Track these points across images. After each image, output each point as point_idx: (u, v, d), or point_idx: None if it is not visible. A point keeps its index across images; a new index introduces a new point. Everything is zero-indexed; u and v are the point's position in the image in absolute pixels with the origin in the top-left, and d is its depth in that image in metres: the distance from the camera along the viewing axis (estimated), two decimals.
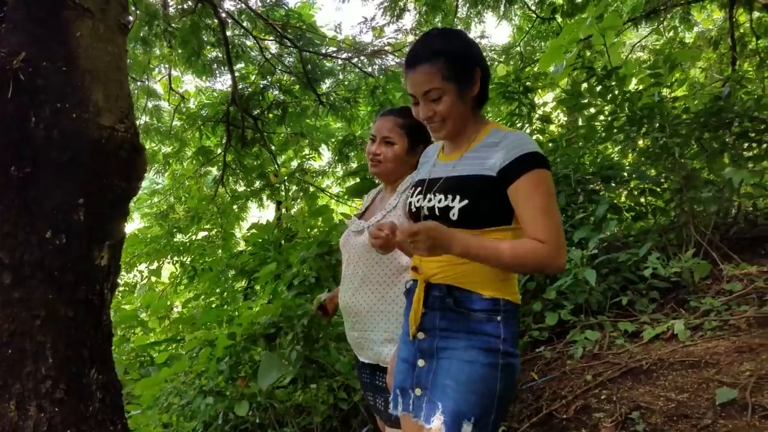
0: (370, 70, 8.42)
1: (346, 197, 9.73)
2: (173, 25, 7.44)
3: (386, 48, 8.29)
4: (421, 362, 1.63)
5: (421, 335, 1.63)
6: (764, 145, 4.35)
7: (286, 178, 9.41)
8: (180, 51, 7.84)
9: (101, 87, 2.07)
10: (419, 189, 1.71)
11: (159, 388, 3.40)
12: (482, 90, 1.66)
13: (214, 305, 6.36)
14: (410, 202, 1.73)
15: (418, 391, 1.62)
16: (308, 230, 6.22)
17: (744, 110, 4.21)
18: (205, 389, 3.17)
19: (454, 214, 1.56)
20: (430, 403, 1.56)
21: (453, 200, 1.57)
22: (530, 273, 1.63)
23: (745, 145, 4.43)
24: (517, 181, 1.52)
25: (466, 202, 1.55)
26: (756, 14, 7.70)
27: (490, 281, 1.57)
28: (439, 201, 1.60)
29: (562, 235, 1.52)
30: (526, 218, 1.52)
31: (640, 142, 4.59)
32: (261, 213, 10.17)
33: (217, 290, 6.78)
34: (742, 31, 8.00)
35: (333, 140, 9.94)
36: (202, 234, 9.35)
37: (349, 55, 8.40)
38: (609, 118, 4.61)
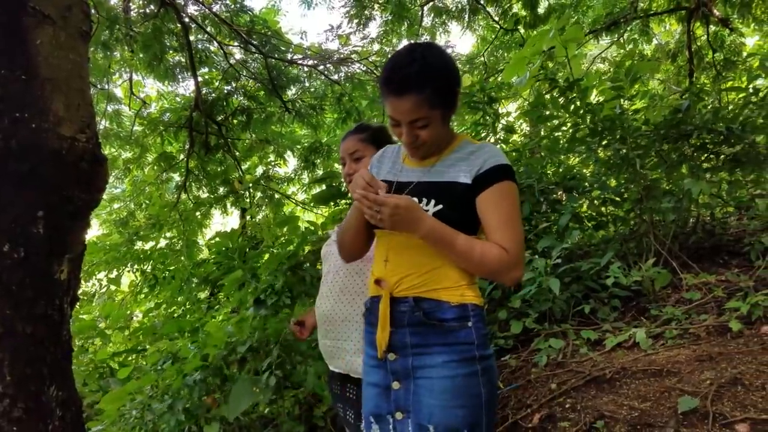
0: (336, 77, 8.42)
1: (312, 204, 9.69)
2: (135, 29, 7.31)
3: (352, 56, 8.30)
4: (396, 384, 1.60)
5: (392, 356, 1.60)
6: (722, 157, 4.48)
7: (250, 184, 9.32)
8: (141, 55, 7.72)
9: (62, 96, 2.01)
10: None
11: (123, 401, 3.32)
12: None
13: (176, 315, 6.24)
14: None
15: (399, 415, 1.59)
16: (273, 239, 6.18)
17: (702, 122, 4.32)
18: (174, 406, 3.10)
19: None
20: (417, 425, 1.55)
21: (428, 204, 1.58)
22: (485, 276, 1.63)
23: (704, 156, 4.55)
24: (489, 190, 1.56)
25: (440, 206, 1.57)
26: (712, 28, 7.97)
27: (455, 287, 1.58)
28: None
29: (523, 249, 1.56)
30: (492, 226, 1.56)
31: (602, 153, 4.68)
32: (225, 220, 10.05)
33: (179, 299, 6.68)
34: (699, 44, 8.26)
35: (299, 147, 9.90)
36: (163, 242, 9.18)
37: (315, 62, 8.38)
38: (571, 130, 4.70)
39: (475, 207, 1.58)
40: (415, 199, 1.57)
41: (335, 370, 2.15)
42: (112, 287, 8.35)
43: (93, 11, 6.40)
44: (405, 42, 9.18)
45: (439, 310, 1.57)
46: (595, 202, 4.76)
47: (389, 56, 1.64)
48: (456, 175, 1.60)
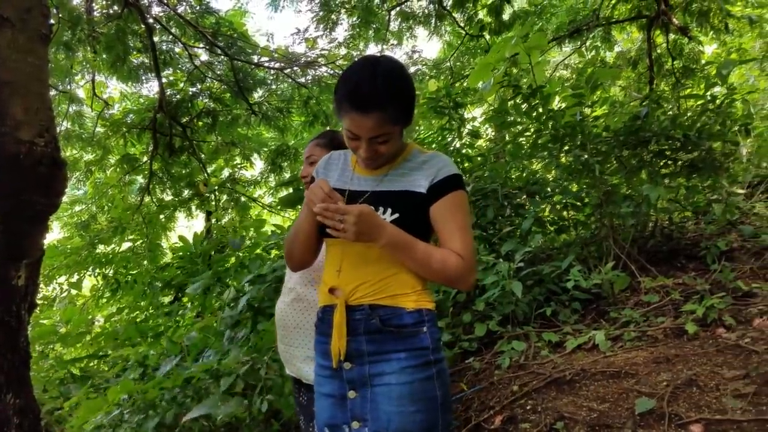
0: (303, 80, 8.40)
1: (279, 208, 9.65)
2: (98, 29, 7.18)
3: (319, 59, 8.29)
4: (351, 394, 1.60)
5: (347, 365, 1.60)
6: (679, 163, 4.61)
7: (216, 187, 9.23)
8: (104, 56, 7.59)
9: (20, 100, 1.99)
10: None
11: (103, 411, 3.26)
12: None
13: (138, 320, 6.15)
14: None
15: (356, 425, 1.59)
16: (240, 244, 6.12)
17: (661, 129, 4.44)
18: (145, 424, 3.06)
19: None
20: None
21: (384, 213, 1.60)
22: (442, 282, 1.66)
23: (662, 162, 4.68)
24: (444, 199, 1.60)
25: (397, 215, 1.59)
26: (672, 36, 8.17)
27: (410, 292, 1.61)
28: None
29: (476, 255, 1.62)
30: (447, 233, 1.60)
31: (563, 159, 4.77)
32: (190, 223, 9.93)
33: (142, 304, 6.57)
34: (659, 51, 8.47)
35: (265, 150, 9.84)
36: (126, 245, 9.03)
37: (282, 65, 8.36)
38: (534, 136, 4.78)
39: (428, 215, 1.62)
40: (373, 208, 1.58)
41: (289, 374, 2.20)
42: (73, 291, 8.17)
43: (55, 11, 6.28)
44: (372, 46, 9.23)
45: (395, 317, 1.58)
46: (557, 206, 4.86)
47: (346, 69, 1.64)
48: (411, 185, 1.63)
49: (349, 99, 1.53)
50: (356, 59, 1.68)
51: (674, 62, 8.32)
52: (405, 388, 1.55)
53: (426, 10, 8.72)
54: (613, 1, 8.52)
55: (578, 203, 4.78)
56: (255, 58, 8.31)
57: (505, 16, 8.16)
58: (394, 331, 1.58)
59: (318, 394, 1.70)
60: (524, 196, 4.85)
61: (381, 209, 1.61)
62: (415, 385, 1.55)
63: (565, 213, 4.92)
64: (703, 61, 8.57)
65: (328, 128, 7.84)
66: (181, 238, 5.65)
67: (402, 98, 1.57)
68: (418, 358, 1.57)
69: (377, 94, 1.52)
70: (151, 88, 9.48)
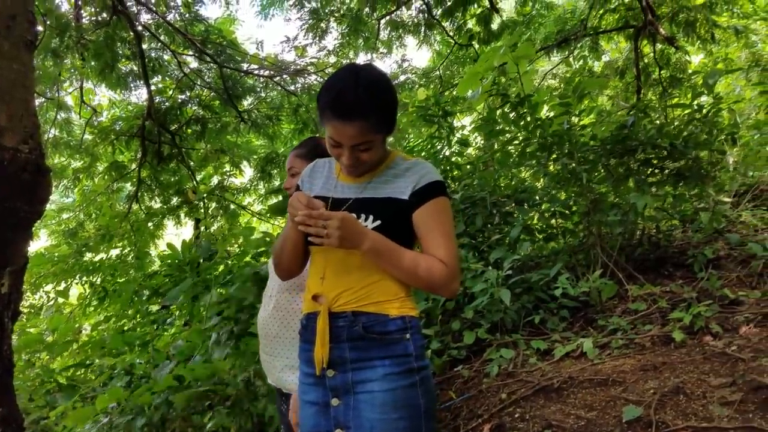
0: (292, 88, 8.40)
1: (268, 215, 9.62)
2: (86, 37, 7.16)
3: (309, 68, 8.30)
4: (335, 401, 1.60)
5: (330, 372, 1.60)
6: (666, 171, 4.64)
7: (205, 195, 9.20)
8: (93, 63, 7.56)
9: (4, 106, 1.97)
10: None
11: (90, 419, 3.23)
12: None
13: (126, 328, 6.10)
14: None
15: None
16: (228, 249, 6.10)
17: (648, 138, 4.47)
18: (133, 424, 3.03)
19: None
20: None
21: (366, 219, 1.60)
22: (427, 290, 1.65)
23: (649, 171, 4.71)
24: (426, 205, 1.60)
25: (379, 222, 1.59)
26: (659, 46, 8.25)
27: (394, 299, 1.60)
28: None
29: (459, 262, 1.61)
30: (431, 240, 1.60)
31: (551, 167, 4.79)
32: (178, 231, 9.88)
33: (129, 312, 6.52)
34: (646, 61, 8.54)
35: (255, 157, 9.82)
36: (114, 252, 8.96)
37: (272, 73, 8.36)
38: (522, 144, 4.80)
39: (411, 222, 1.62)
40: (354, 215, 1.58)
41: (270, 383, 2.20)
42: (60, 300, 8.09)
43: (43, 18, 6.25)
44: (362, 55, 9.26)
45: (378, 323, 1.58)
46: (545, 214, 4.87)
47: (329, 77, 1.64)
48: (394, 191, 1.63)
49: (331, 107, 1.53)
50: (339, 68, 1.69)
51: (661, 72, 8.40)
52: (388, 395, 1.54)
53: (415, 20, 8.76)
54: (600, 12, 8.59)
55: (566, 211, 4.80)
56: (244, 66, 8.31)
57: (494, 26, 8.22)
58: (377, 338, 1.57)
59: (302, 402, 1.68)
60: (513, 204, 4.86)
61: (363, 216, 1.60)
62: (398, 392, 1.54)
63: (553, 221, 4.94)
64: (689, 71, 8.65)
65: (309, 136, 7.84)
66: (170, 245, 5.61)
67: (384, 107, 1.57)
68: (401, 365, 1.56)
69: (359, 102, 1.52)
70: (139, 95, 9.44)
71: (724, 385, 2.72)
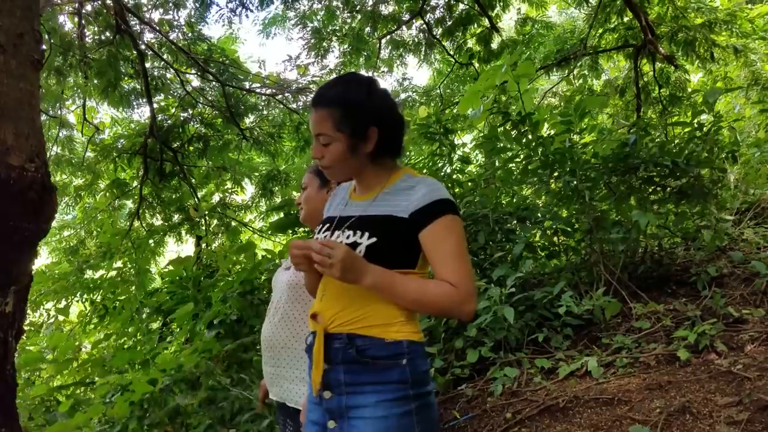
0: (294, 106, 8.45)
1: (269, 232, 9.61)
2: (90, 55, 7.21)
3: (311, 86, 8.35)
4: (331, 424, 1.57)
5: (327, 394, 1.56)
6: (668, 189, 4.64)
7: (206, 212, 9.20)
8: (96, 81, 7.61)
9: (11, 125, 1.98)
10: (327, 226, 1.69)
11: None
12: (387, 143, 1.65)
13: (126, 346, 6.07)
14: (316, 240, 1.68)
15: None
16: (230, 266, 6.09)
17: (649, 156, 4.48)
18: None
19: (360, 251, 1.54)
20: None
21: (362, 237, 1.56)
22: (438, 315, 1.63)
23: (651, 189, 4.71)
24: (431, 225, 1.54)
25: (374, 239, 1.55)
26: (658, 65, 8.31)
27: (392, 323, 1.55)
28: (348, 237, 1.59)
29: (473, 282, 1.54)
30: (439, 262, 1.54)
31: (553, 185, 4.80)
32: (179, 248, 9.87)
33: (130, 330, 6.50)
34: (646, 80, 8.60)
35: (256, 174, 9.85)
36: (114, 270, 8.94)
37: (274, 91, 8.41)
38: (524, 162, 4.81)
39: (412, 241, 1.57)
40: (350, 233, 1.58)
41: (273, 398, 2.15)
42: (61, 317, 8.06)
43: (47, 37, 6.30)
44: (363, 73, 9.30)
45: (373, 347, 1.53)
46: (548, 232, 4.87)
47: None
48: (392, 209, 1.59)
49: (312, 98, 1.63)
50: None
51: (661, 90, 8.44)
52: (380, 423, 1.49)
53: (416, 39, 8.84)
54: (600, 31, 8.66)
55: (568, 229, 4.79)
56: (247, 84, 8.36)
57: (494, 45, 8.29)
58: (370, 362, 1.53)
59: (307, 420, 1.67)
60: (514, 222, 4.86)
61: (359, 233, 1.57)
62: (390, 420, 1.49)
63: (555, 238, 4.93)
64: (689, 90, 8.70)
65: None
66: (172, 261, 5.61)
67: (349, 106, 1.57)
68: (395, 392, 1.51)
69: (327, 93, 1.58)
70: (142, 113, 9.50)
71: (730, 405, 2.70)
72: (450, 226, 1.55)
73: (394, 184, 1.65)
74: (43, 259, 9.40)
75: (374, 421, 1.50)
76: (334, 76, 8.50)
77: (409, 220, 1.56)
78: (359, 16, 8.42)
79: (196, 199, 9.14)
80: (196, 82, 8.50)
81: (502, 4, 8.12)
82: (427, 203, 1.55)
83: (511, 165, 5.16)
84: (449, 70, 9.48)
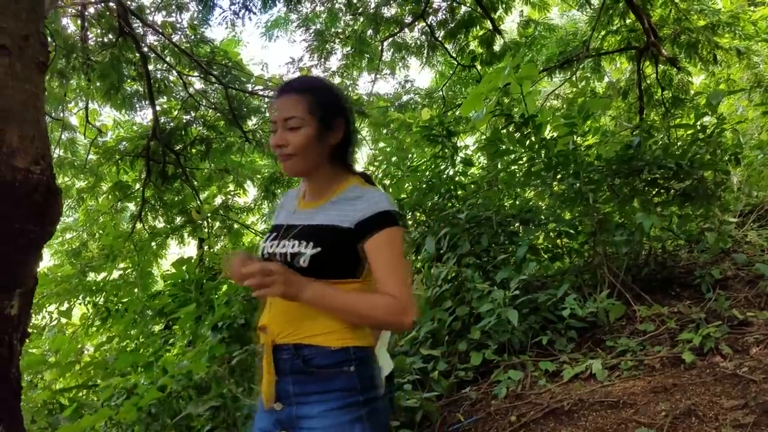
0: None
1: None
2: (92, 57, 7.22)
3: None
4: None
5: (278, 406, 1.57)
6: (672, 192, 4.64)
7: (209, 214, 9.20)
8: (98, 84, 7.62)
9: (16, 127, 1.98)
10: (274, 235, 1.69)
11: None
12: (345, 143, 1.67)
13: (129, 349, 6.06)
14: (262, 248, 1.69)
15: None
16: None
17: (653, 158, 4.48)
18: None
19: (305, 261, 1.55)
20: None
21: (306, 246, 1.56)
22: (378, 327, 1.64)
23: (654, 191, 4.71)
24: (373, 238, 1.55)
25: (318, 249, 1.55)
26: (661, 67, 8.30)
27: (336, 330, 1.56)
28: (293, 246, 1.59)
29: (411, 293, 1.55)
30: (379, 273, 1.55)
31: (556, 187, 4.79)
32: (182, 250, 9.87)
33: (132, 333, 6.49)
34: (648, 82, 8.59)
35: (259, 177, 9.85)
36: (116, 272, 8.94)
37: (277, 93, 8.40)
38: (527, 164, 4.81)
39: (356, 251, 1.57)
40: (295, 242, 1.58)
41: None
42: (63, 320, 8.06)
43: (50, 39, 6.31)
44: (365, 75, 9.35)
45: (319, 356, 1.54)
46: (551, 234, 4.86)
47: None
48: (337, 219, 1.59)
49: (275, 92, 1.67)
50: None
51: (664, 92, 8.43)
52: None
53: (418, 41, 8.84)
54: (602, 33, 8.66)
55: (572, 231, 4.78)
56: (249, 87, 8.36)
57: (496, 48, 8.29)
58: (316, 372, 1.54)
59: (255, 428, 1.66)
60: (518, 224, 4.86)
61: (304, 243, 1.57)
62: (339, 429, 1.51)
63: (558, 241, 4.92)
64: (692, 92, 8.69)
65: None
66: (174, 264, 5.59)
67: (321, 94, 1.63)
68: (343, 399, 1.52)
69: (295, 82, 1.66)
70: (144, 115, 9.49)
71: (736, 408, 2.69)
72: (391, 238, 1.56)
73: (342, 194, 1.65)
74: (46, 261, 9.40)
75: (323, 430, 1.51)
76: (337, 78, 8.52)
77: (354, 230, 1.56)
78: (362, 19, 8.42)
79: (198, 202, 9.14)
80: (198, 84, 8.51)
81: (504, 6, 8.12)
82: (370, 215, 1.56)
83: (514, 167, 5.15)
84: (452, 72, 9.48)
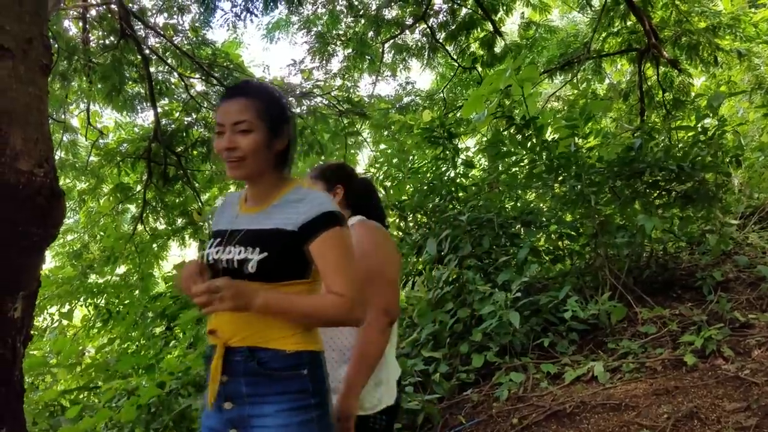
0: (298, 110, 8.45)
1: None
2: (94, 59, 7.23)
3: (315, 90, 8.36)
4: None
5: (228, 405, 1.58)
6: (673, 194, 4.64)
7: (210, 216, 9.19)
8: (100, 86, 7.62)
9: (20, 130, 1.98)
10: (218, 240, 1.68)
11: None
12: (288, 150, 1.70)
13: (130, 351, 6.07)
14: (207, 254, 1.69)
15: None
16: None
17: (654, 160, 4.48)
18: None
19: (252, 266, 1.56)
20: None
21: (252, 252, 1.57)
22: (330, 326, 1.66)
23: (656, 193, 4.71)
24: (317, 239, 1.57)
25: (265, 254, 1.56)
26: (662, 69, 8.30)
27: (291, 335, 1.58)
28: (239, 253, 1.60)
29: (359, 290, 1.57)
30: (326, 274, 1.58)
31: (558, 189, 4.80)
32: (183, 252, 9.87)
33: (134, 334, 6.50)
34: (649, 84, 8.58)
35: None
36: (118, 273, 8.95)
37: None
38: (528, 166, 4.81)
39: (302, 253, 1.59)
40: (241, 248, 1.59)
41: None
42: (64, 322, 8.06)
43: (52, 41, 6.31)
44: (366, 77, 9.34)
45: (274, 359, 1.56)
46: (552, 236, 4.86)
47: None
48: (281, 222, 1.60)
49: (223, 95, 1.67)
50: None
51: (665, 94, 8.43)
52: (281, 431, 1.53)
53: (419, 43, 8.84)
54: (603, 35, 8.66)
55: (573, 233, 4.78)
56: None
57: (497, 49, 8.29)
58: (271, 374, 1.56)
59: (203, 427, 1.67)
60: (519, 226, 4.86)
61: (250, 248, 1.58)
62: (291, 429, 1.53)
63: (560, 243, 4.92)
64: (693, 94, 8.69)
65: (322, 159, 7.86)
66: (176, 266, 5.60)
67: (269, 100, 1.65)
68: (297, 401, 1.55)
69: (244, 85, 1.68)
70: (146, 117, 9.49)
71: (738, 410, 2.69)
72: (335, 238, 1.58)
73: (284, 196, 1.66)
74: (47, 263, 9.39)
75: (275, 429, 1.54)
76: (338, 80, 8.52)
77: (298, 233, 1.58)
78: (363, 21, 8.43)
79: (199, 203, 9.13)
80: (200, 86, 8.50)
81: (505, 8, 8.12)
82: (314, 216, 1.58)
83: (515, 169, 5.16)
84: (453, 74, 9.47)
